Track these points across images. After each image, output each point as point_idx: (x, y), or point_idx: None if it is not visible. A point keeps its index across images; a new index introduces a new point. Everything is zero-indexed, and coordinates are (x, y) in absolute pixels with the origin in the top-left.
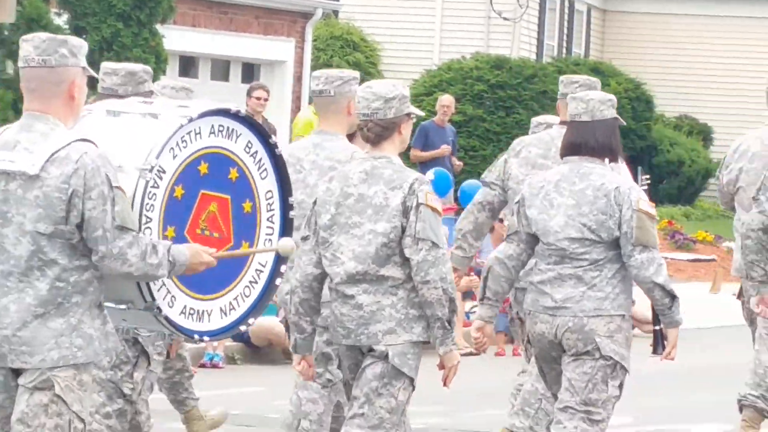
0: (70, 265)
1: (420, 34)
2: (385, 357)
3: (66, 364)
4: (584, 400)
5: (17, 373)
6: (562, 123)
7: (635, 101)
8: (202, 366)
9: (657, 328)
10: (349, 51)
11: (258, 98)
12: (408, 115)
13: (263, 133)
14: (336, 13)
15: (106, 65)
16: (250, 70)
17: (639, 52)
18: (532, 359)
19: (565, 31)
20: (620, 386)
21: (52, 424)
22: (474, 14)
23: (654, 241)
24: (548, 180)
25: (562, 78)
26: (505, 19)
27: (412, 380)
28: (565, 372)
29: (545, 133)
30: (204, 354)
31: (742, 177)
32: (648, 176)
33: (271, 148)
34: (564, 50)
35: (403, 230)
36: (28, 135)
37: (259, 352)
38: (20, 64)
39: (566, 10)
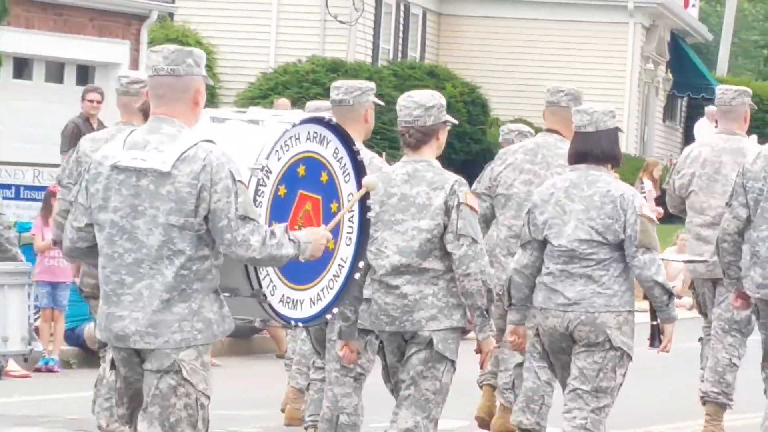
0: (195, 254)
1: (256, 37)
2: (428, 343)
3: (187, 345)
4: (595, 387)
5: (139, 353)
6: (549, 130)
7: (471, 105)
8: (38, 371)
9: (654, 323)
10: None
11: (92, 101)
12: (444, 122)
13: (348, 141)
14: (171, 15)
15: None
16: (84, 72)
17: (474, 55)
18: (527, 354)
19: (401, 34)
20: (624, 374)
21: (182, 404)
22: (309, 17)
23: (655, 243)
24: (557, 187)
25: (548, 88)
26: (340, 22)
27: (453, 363)
28: (576, 362)
29: (530, 141)
30: (39, 359)
31: (694, 181)
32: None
33: (354, 155)
34: (400, 54)
35: (445, 227)
36: (157, 136)
37: (95, 356)
38: (149, 72)
39: (402, 14)
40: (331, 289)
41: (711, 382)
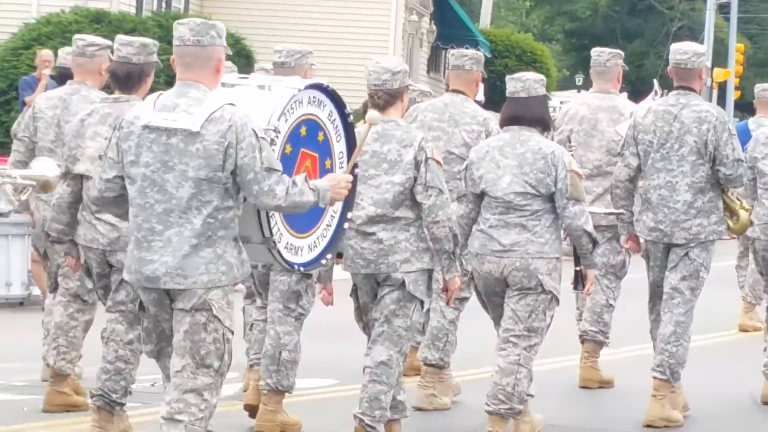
0: (221, 205)
1: None
2: (401, 284)
3: (213, 286)
4: (527, 327)
5: (168, 294)
6: (454, 91)
7: (236, 57)
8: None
9: (578, 269)
10: None
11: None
12: (407, 86)
13: (341, 104)
14: None
15: (120, 38)
16: None
17: (238, 6)
18: (434, 295)
19: None
20: (552, 316)
21: (211, 338)
22: None
23: (583, 196)
24: (491, 146)
25: (452, 52)
26: None
27: (422, 302)
28: (509, 305)
29: (438, 100)
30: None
31: (573, 137)
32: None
33: (345, 117)
34: (164, 4)
35: (415, 180)
36: (185, 99)
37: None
38: (176, 42)
39: None
40: (324, 237)
41: (589, 321)
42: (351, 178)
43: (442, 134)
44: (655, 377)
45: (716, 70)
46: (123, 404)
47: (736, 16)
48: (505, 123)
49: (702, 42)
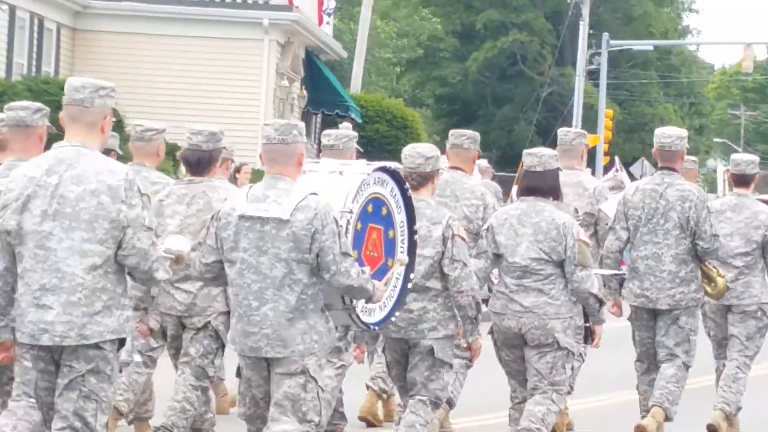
0: (309, 282)
1: None
2: (429, 351)
3: (309, 353)
4: (551, 382)
5: (267, 361)
6: (453, 168)
7: None
8: None
9: (587, 325)
10: None
11: None
12: (438, 170)
13: (401, 181)
14: None
15: (192, 127)
16: None
17: (110, 71)
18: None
19: (35, 49)
20: (572, 368)
21: (309, 396)
22: None
23: (590, 262)
24: (510, 214)
25: (451, 132)
26: None
27: (450, 365)
28: (531, 365)
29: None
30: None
31: None
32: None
33: (404, 192)
34: (34, 68)
35: (442, 254)
36: (274, 191)
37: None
38: (263, 141)
39: (35, 28)
40: (391, 297)
41: None
42: (385, 288)
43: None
44: (654, 405)
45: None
46: None
47: (605, 82)
48: (522, 193)
49: (571, 107)
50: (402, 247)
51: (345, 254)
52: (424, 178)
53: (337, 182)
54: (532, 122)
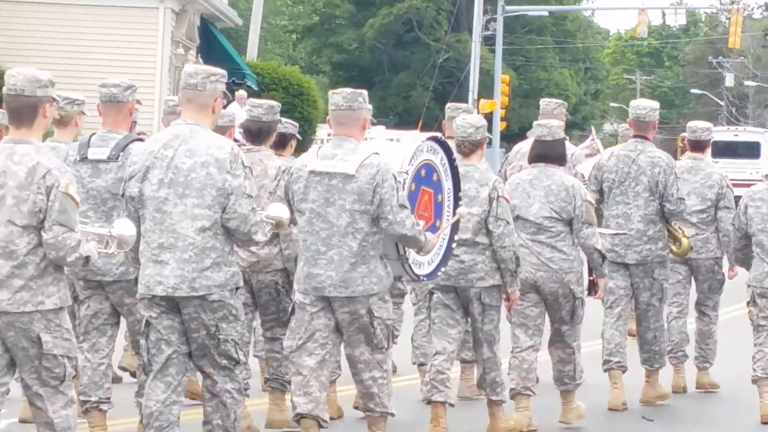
0: (370, 231)
1: None
2: (479, 297)
3: (368, 294)
4: (570, 326)
5: (328, 301)
6: (450, 137)
7: None
8: None
9: (591, 278)
10: None
11: None
12: (485, 138)
13: (449, 151)
14: None
15: (252, 100)
16: None
17: (2, 40)
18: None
19: None
20: (584, 311)
21: (379, 329)
22: None
23: (595, 220)
24: (522, 179)
25: (448, 105)
26: None
27: (498, 308)
28: (552, 313)
29: None
30: None
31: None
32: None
33: (452, 162)
34: None
35: (488, 212)
36: (341, 150)
37: None
38: (331, 107)
39: None
40: (438, 254)
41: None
42: (436, 241)
43: None
44: (647, 368)
45: (482, 101)
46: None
47: (501, 47)
48: (533, 160)
49: (468, 73)
50: (448, 211)
51: (402, 206)
52: (474, 146)
53: (395, 147)
54: (429, 88)
